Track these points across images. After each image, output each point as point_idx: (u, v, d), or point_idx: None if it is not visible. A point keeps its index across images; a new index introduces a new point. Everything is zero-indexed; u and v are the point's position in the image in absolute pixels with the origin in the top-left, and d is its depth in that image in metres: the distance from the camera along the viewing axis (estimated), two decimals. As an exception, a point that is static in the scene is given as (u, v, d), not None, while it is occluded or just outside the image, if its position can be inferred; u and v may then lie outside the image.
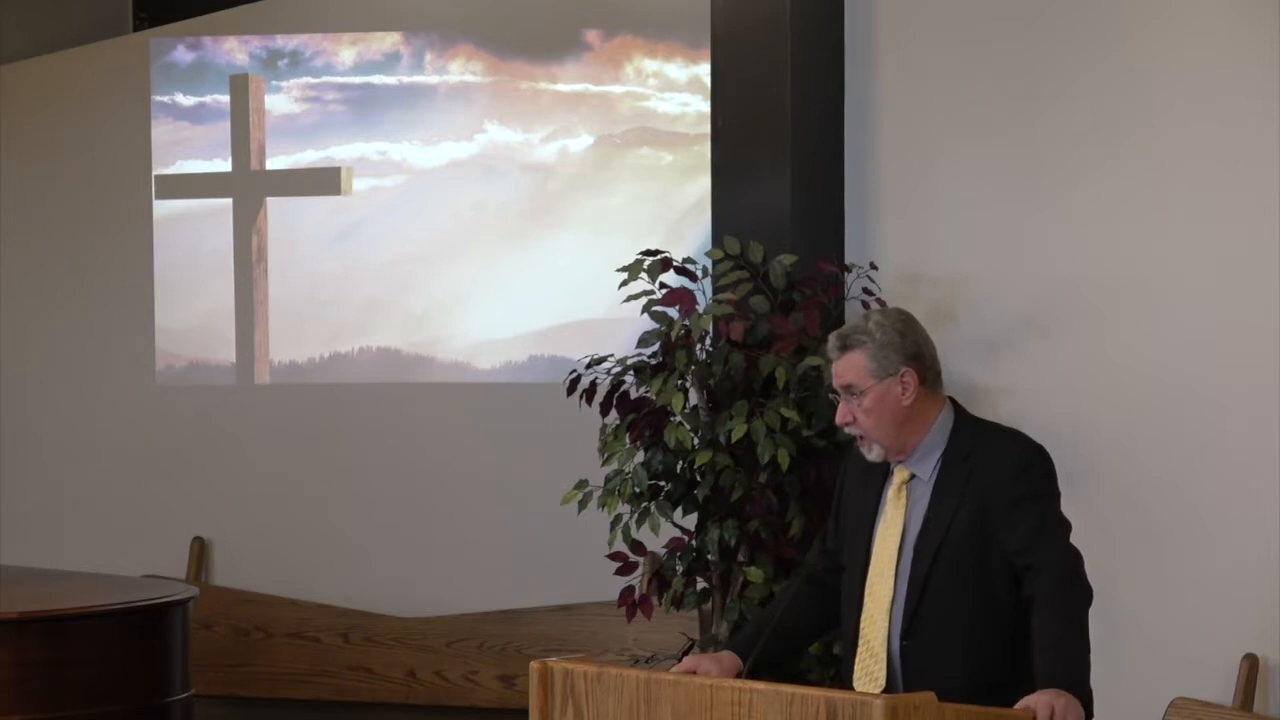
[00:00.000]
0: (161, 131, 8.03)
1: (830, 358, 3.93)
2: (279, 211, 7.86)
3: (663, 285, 5.64)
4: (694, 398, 5.58)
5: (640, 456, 5.58)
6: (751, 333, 5.54)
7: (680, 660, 3.96)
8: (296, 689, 7.69)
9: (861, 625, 3.86)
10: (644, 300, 5.63)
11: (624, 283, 5.64)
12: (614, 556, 5.66)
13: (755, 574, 5.45)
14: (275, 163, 7.86)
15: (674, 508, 5.59)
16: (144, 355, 8.07)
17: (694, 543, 5.62)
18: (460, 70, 7.62)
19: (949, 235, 5.89)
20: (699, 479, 5.54)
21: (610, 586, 5.74)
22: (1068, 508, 3.83)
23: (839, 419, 3.90)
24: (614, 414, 5.66)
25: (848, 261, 5.92)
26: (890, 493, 3.90)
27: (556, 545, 7.14)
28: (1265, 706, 5.26)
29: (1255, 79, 5.29)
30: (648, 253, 5.69)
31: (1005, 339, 5.73)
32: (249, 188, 7.89)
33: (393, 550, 7.65)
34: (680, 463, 5.56)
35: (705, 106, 6.66)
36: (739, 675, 3.78)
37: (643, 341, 5.63)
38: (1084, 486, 5.25)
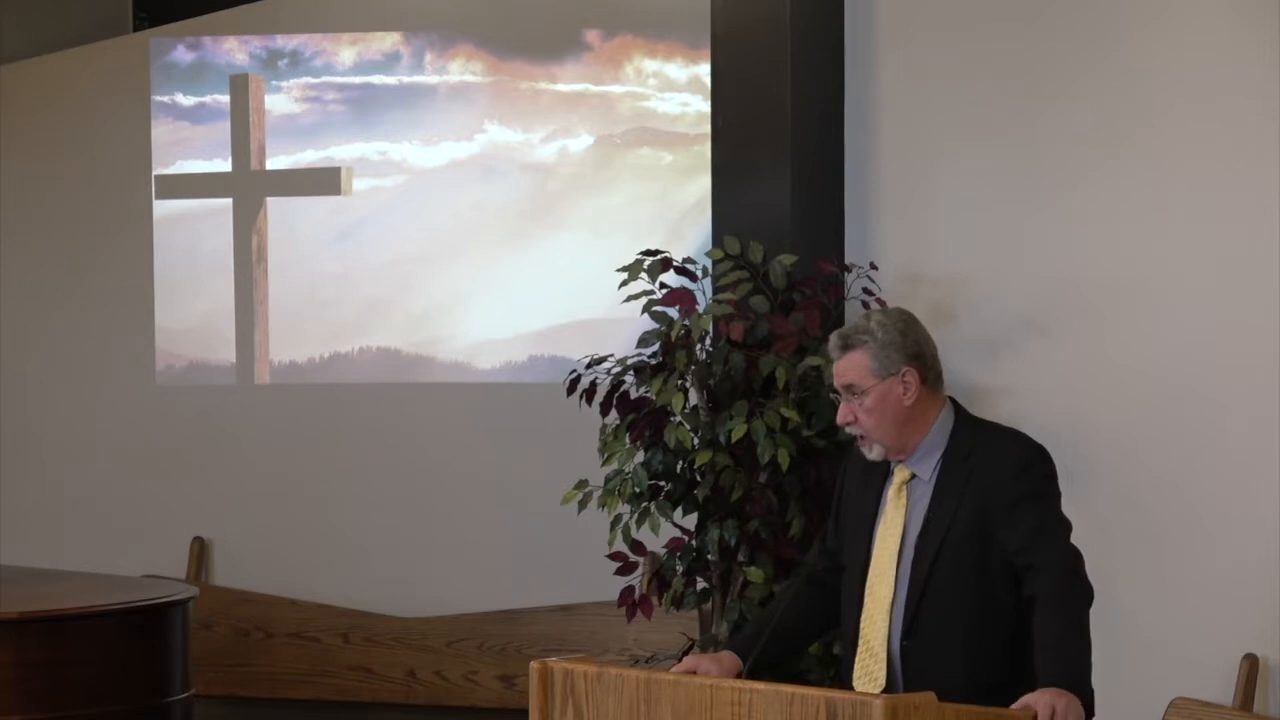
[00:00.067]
0: (161, 131, 8.02)
1: (831, 357, 3.93)
2: (279, 211, 7.86)
3: (663, 285, 5.64)
4: (694, 398, 5.58)
5: (640, 456, 5.58)
6: (751, 333, 5.54)
7: (680, 660, 3.96)
8: (296, 689, 7.68)
9: (861, 625, 3.86)
10: (644, 300, 5.63)
11: (624, 283, 5.64)
12: (614, 556, 5.66)
13: (755, 574, 5.45)
14: (275, 163, 7.85)
15: (674, 508, 5.59)
16: (144, 355, 8.06)
17: (694, 543, 5.61)
18: (460, 70, 7.62)
19: (949, 235, 5.89)
20: (699, 479, 5.54)
21: (610, 586, 5.74)
22: (1068, 508, 3.83)
23: (840, 419, 3.90)
24: (614, 414, 5.65)
25: (848, 261, 5.92)
26: (890, 493, 3.90)
27: (556, 545, 7.13)
28: (1265, 706, 5.26)
29: (1255, 79, 5.29)
30: (648, 253, 5.69)
31: (1005, 339, 5.73)
32: (249, 188, 7.89)
33: (393, 550, 7.65)
34: (680, 463, 5.56)
35: (705, 106, 6.65)
36: (739, 675, 3.78)
37: (643, 341, 5.62)
38: (1084, 486, 5.24)
